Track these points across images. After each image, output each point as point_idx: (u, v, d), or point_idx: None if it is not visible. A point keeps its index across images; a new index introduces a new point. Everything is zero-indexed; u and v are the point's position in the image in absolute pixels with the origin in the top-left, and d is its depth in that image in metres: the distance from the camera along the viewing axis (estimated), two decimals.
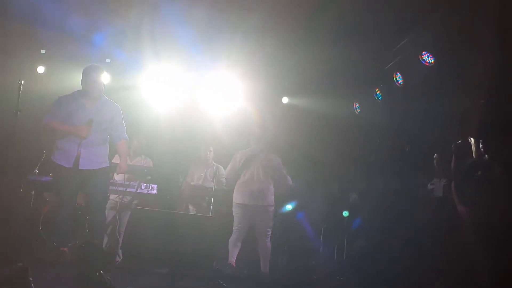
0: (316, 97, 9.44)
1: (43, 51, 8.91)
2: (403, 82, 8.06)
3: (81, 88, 6.01)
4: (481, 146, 5.94)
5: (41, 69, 8.92)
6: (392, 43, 8.05)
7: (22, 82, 7.36)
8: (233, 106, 9.27)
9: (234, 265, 7.19)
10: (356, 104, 9.55)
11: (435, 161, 7.02)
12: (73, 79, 8.35)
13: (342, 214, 8.54)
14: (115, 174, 7.55)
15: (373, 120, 9.13)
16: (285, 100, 9.87)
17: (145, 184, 7.67)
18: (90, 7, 7.62)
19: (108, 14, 7.87)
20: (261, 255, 7.35)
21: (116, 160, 7.91)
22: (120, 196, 7.72)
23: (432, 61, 7.17)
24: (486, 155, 5.93)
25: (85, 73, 5.93)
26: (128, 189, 7.67)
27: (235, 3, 7.46)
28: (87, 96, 5.93)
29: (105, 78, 6.07)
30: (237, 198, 7.46)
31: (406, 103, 8.24)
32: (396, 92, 8.28)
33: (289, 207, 8.35)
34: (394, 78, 8.19)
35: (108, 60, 9.12)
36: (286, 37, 8.22)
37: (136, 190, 7.63)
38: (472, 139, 6.10)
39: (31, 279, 2.30)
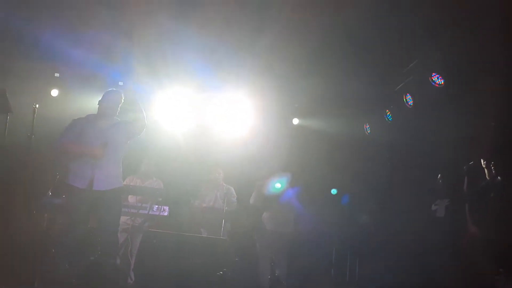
0: (326, 118, 9.49)
1: (57, 74, 9.03)
2: (413, 103, 8.09)
3: (95, 111, 6.08)
4: (492, 168, 5.94)
5: (55, 93, 9.02)
6: (402, 64, 8.10)
7: (37, 105, 7.50)
8: (244, 127, 9.31)
9: None
10: (366, 125, 9.57)
11: (439, 181, 7.02)
12: (87, 102, 8.49)
13: (353, 235, 8.49)
14: (128, 197, 7.60)
15: (383, 141, 9.14)
16: (295, 121, 9.91)
17: (156, 206, 7.69)
18: (103, 32, 7.74)
19: (120, 38, 7.99)
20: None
21: (128, 181, 7.98)
22: (132, 218, 7.74)
23: (442, 82, 7.20)
24: (498, 177, 5.92)
25: (104, 95, 6.05)
26: (140, 211, 7.69)
27: (245, 26, 7.55)
28: (102, 118, 6.01)
29: (121, 102, 6.14)
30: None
31: (416, 124, 8.26)
32: (406, 113, 8.30)
33: (278, 185, 8.25)
34: (404, 99, 8.22)
35: (120, 83, 9.22)
36: (296, 59, 8.29)
37: (148, 211, 7.65)
38: (484, 160, 6.10)
39: None
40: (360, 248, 8.42)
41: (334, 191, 8.51)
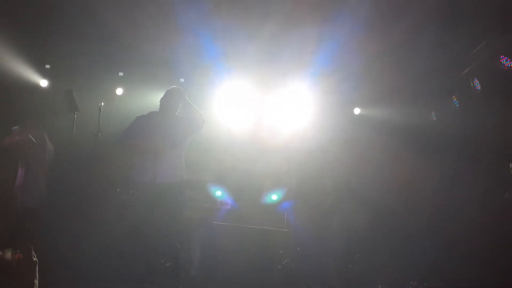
0: (388, 107, 9.25)
1: (121, 73, 9.29)
2: (480, 88, 7.74)
3: (157, 108, 6.22)
4: None
5: (119, 91, 9.29)
6: (468, 48, 7.77)
7: (102, 104, 7.77)
8: (304, 119, 9.25)
9: None
10: (432, 113, 9.26)
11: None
12: (150, 99, 8.72)
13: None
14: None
15: (450, 128, 8.80)
16: (357, 111, 9.73)
17: (219, 200, 7.78)
18: (163, 29, 7.88)
19: (179, 35, 8.11)
20: None
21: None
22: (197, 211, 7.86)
23: (511, 65, 6.85)
24: None
25: (166, 93, 6.18)
26: (204, 204, 7.81)
27: (308, 18, 7.48)
28: (163, 114, 6.14)
29: (182, 98, 6.23)
30: None
31: (484, 110, 7.89)
32: (474, 98, 7.96)
33: (274, 197, 8.09)
34: (472, 84, 7.88)
35: (182, 80, 9.39)
36: (359, 51, 8.15)
37: (211, 205, 7.75)
38: None
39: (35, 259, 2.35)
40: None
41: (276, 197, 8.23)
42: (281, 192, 8.29)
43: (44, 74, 9.11)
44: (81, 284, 5.82)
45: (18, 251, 2.34)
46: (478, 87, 7.78)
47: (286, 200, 8.30)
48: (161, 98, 6.21)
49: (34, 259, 2.38)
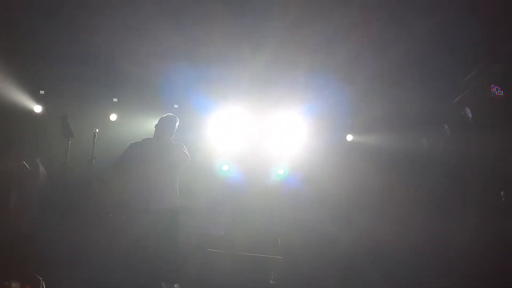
0: (381, 134, 9.32)
1: (115, 99, 9.31)
2: (471, 115, 7.84)
3: (151, 134, 6.25)
4: None
5: (113, 117, 9.29)
6: (459, 76, 7.89)
7: (97, 130, 7.78)
8: (297, 144, 9.29)
9: None
10: (424, 140, 9.33)
11: (502, 198, 6.76)
12: (144, 125, 8.74)
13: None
14: None
15: (441, 155, 8.87)
16: (349, 137, 9.79)
17: (213, 226, 7.76)
18: (156, 56, 7.94)
19: (173, 61, 8.18)
20: None
21: None
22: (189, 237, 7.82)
23: (502, 93, 6.96)
24: None
25: (160, 120, 6.22)
26: (197, 231, 7.77)
27: (300, 45, 7.58)
28: (158, 141, 6.16)
29: (176, 125, 6.27)
30: None
31: (476, 138, 7.98)
32: (465, 126, 8.05)
33: (281, 171, 8.04)
34: (463, 112, 7.98)
35: (176, 106, 9.43)
36: (352, 77, 8.25)
37: (205, 231, 7.72)
38: None
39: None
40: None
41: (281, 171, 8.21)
42: (287, 167, 8.25)
43: (38, 99, 9.11)
44: None
45: (28, 282, 2.35)
46: (470, 115, 7.88)
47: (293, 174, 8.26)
48: (156, 125, 6.24)
49: (41, 282, 2.39)
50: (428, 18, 6.46)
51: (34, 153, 7.11)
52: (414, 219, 8.58)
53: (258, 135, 9.50)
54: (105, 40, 7.65)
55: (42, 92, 9.15)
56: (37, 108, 9.09)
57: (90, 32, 7.47)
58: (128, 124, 9.07)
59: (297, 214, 8.72)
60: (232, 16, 7.16)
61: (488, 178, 7.71)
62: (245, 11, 7.06)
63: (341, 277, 7.53)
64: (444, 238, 8.09)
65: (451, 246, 7.83)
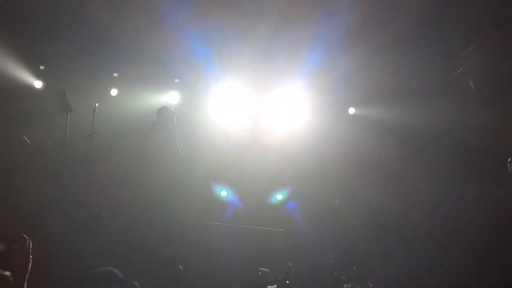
0: (383, 106, 9.25)
1: (115, 74, 9.25)
2: (474, 87, 7.76)
3: (152, 109, 6.32)
4: None
5: (114, 92, 9.25)
6: (461, 48, 7.80)
7: (97, 105, 7.77)
8: (299, 119, 9.26)
9: None
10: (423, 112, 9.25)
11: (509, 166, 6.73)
12: (144, 100, 8.72)
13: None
14: None
15: (445, 128, 8.81)
16: (351, 110, 9.73)
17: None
18: (157, 30, 7.88)
19: (175, 38, 8.12)
20: None
21: None
22: None
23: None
24: None
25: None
26: None
27: (302, 18, 7.49)
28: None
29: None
30: None
31: (479, 110, 7.91)
32: (468, 98, 7.98)
33: (279, 197, 8.10)
34: (467, 84, 7.90)
35: (176, 80, 9.39)
36: (353, 51, 8.17)
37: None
38: None
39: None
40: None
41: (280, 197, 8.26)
42: (286, 192, 8.29)
43: (39, 75, 9.08)
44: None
45: (14, 241, 2.35)
46: (473, 86, 7.80)
47: (291, 199, 8.30)
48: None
49: (30, 255, 2.39)
50: None
51: (36, 128, 7.09)
52: (417, 191, 8.59)
53: (259, 109, 9.45)
54: (105, 14, 7.57)
55: (42, 67, 9.11)
56: (38, 84, 9.06)
57: (89, 6, 7.41)
58: (128, 99, 9.03)
59: (298, 187, 8.75)
60: None
61: (492, 149, 7.67)
62: None
63: (341, 250, 7.56)
64: (447, 210, 8.10)
65: (454, 217, 7.83)
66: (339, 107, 9.58)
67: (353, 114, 9.71)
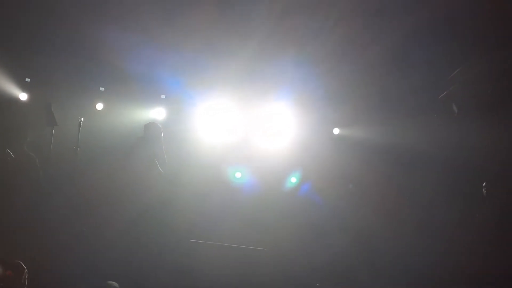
0: (368, 127, 9.33)
1: (101, 88, 9.21)
2: (457, 110, 7.89)
3: (138, 124, 6.34)
4: None
5: (99, 106, 9.19)
6: (446, 72, 7.92)
7: (82, 119, 7.73)
8: (285, 138, 9.29)
9: None
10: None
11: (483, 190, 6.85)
12: (130, 115, 8.69)
13: None
14: None
15: (427, 149, 8.90)
16: (336, 131, 9.79)
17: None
18: (144, 45, 7.90)
19: (161, 51, 8.14)
20: None
21: None
22: None
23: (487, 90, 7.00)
24: None
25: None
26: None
27: (288, 36, 7.57)
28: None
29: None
30: None
31: (461, 132, 8.03)
32: (450, 121, 8.10)
33: (293, 179, 8.11)
34: (449, 107, 8.03)
35: (163, 96, 9.39)
36: (338, 70, 8.25)
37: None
38: None
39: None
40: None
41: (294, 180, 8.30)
42: (299, 175, 8.29)
43: (24, 87, 9.01)
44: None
45: (11, 267, 2.30)
46: (456, 110, 7.92)
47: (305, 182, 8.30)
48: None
49: (24, 271, 2.33)
50: (415, 11, 6.47)
51: (21, 141, 7.00)
52: (403, 212, 8.65)
53: (245, 126, 9.47)
54: (92, 29, 7.57)
55: (27, 79, 9.04)
56: (23, 96, 8.99)
57: (76, 20, 7.40)
58: (114, 113, 8.99)
59: (286, 209, 8.76)
60: (220, 6, 7.14)
61: (473, 170, 7.78)
62: (233, 1, 7.04)
63: (329, 272, 7.56)
64: (431, 229, 8.16)
65: (438, 237, 7.90)
66: (324, 126, 9.64)
67: (338, 134, 9.77)
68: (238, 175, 8.76)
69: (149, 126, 7.58)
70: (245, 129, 9.41)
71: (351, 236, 8.32)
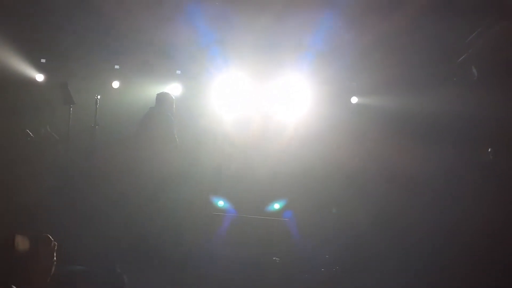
0: (386, 96, 9.22)
1: (117, 66, 9.24)
2: (477, 74, 7.73)
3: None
4: None
5: (116, 84, 9.23)
6: (464, 36, 7.76)
7: (99, 97, 7.77)
8: (302, 109, 9.23)
9: None
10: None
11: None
12: (146, 92, 8.70)
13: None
14: None
15: (448, 117, 8.76)
16: (354, 100, 9.70)
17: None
18: (159, 20, 7.86)
19: (176, 27, 8.08)
20: None
21: None
22: None
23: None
24: None
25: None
26: None
27: (304, 6, 7.46)
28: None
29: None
30: None
31: (482, 97, 7.87)
32: (471, 86, 7.94)
33: (276, 206, 8.09)
34: (468, 71, 7.87)
35: (178, 72, 9.38)
36: (355, 42, 8.15)
37: None
38: None
39: None
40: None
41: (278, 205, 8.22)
42: (283, 202, 8.26)
43: (40, 68, 9.06)
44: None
45: (36, 242, 2.28)
46: (476, 74, 7.77)
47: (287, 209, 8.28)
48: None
49: (54, 258, 2.32)
50: None
51: (39, 121, 7.09)
52: (418, 182, 8.57)
53: (262, 99, 9.42)
54: (106, 6, 7.54)
55: (43, 60, 9.09)
56: (39, 77, 9.05)
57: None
58: (130, 91, 9.03)
59: (302, 179, 8.73)
60: None
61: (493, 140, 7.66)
62: None
63: (344, 245, 7.54)
64: (448, 201, 8.08)
65: (454, 210, 7.82)
66: (342, 97, 9.55)
67: (356, 104, 9.68)
68: (220, 203, 8.57)
69: (162, 97, 7.55)
70: (262, 101, 9.35)
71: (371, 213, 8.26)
